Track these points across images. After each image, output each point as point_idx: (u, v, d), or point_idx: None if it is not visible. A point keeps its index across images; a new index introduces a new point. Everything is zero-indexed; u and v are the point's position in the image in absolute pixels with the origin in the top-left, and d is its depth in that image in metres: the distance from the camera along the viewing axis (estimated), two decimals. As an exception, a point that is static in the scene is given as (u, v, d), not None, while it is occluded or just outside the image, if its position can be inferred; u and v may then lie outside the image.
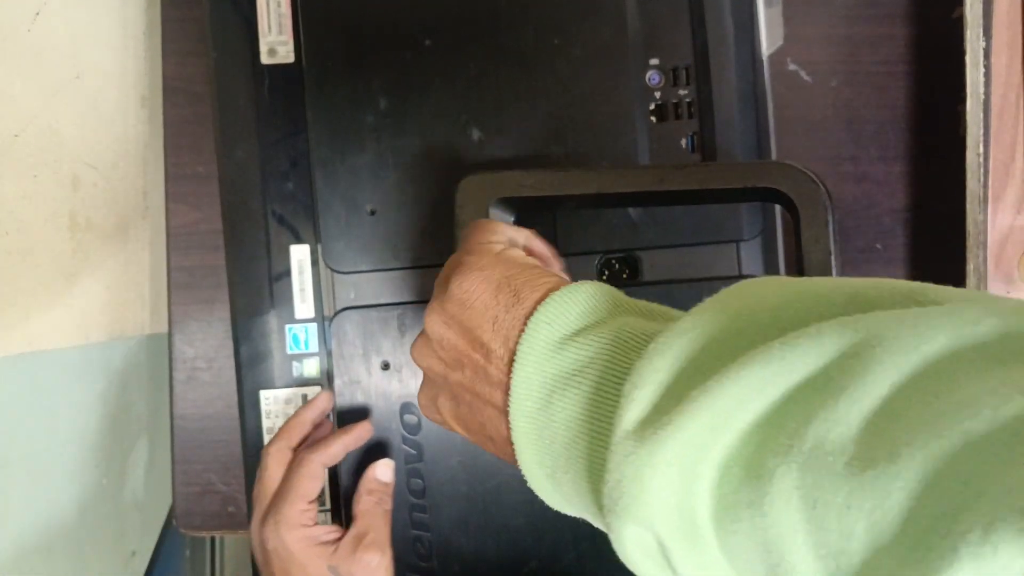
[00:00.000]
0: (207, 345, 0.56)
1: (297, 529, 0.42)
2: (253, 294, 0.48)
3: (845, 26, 0.56)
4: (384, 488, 0.45)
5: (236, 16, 0.48)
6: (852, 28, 0.56)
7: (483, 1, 0.47)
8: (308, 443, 0.45)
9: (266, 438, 0.48)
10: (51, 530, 0.50)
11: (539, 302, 0.28)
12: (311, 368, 0.48)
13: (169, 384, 0.56)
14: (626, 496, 0.23)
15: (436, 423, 0.33)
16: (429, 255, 0.47)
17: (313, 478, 0.43)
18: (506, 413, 0.28)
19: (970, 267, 0.49)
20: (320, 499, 0.45)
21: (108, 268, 0.56)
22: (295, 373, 0.48)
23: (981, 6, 0.48)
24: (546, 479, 0.28)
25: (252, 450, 0.49)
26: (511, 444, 0.28)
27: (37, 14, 0.47)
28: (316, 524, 0.43)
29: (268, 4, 0.48)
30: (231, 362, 0.49)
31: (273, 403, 0.48)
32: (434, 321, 0.31)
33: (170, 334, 0.56)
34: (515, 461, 0.28)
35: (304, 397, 0.48)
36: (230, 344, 0.49)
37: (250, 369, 0.48)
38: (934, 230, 0.56)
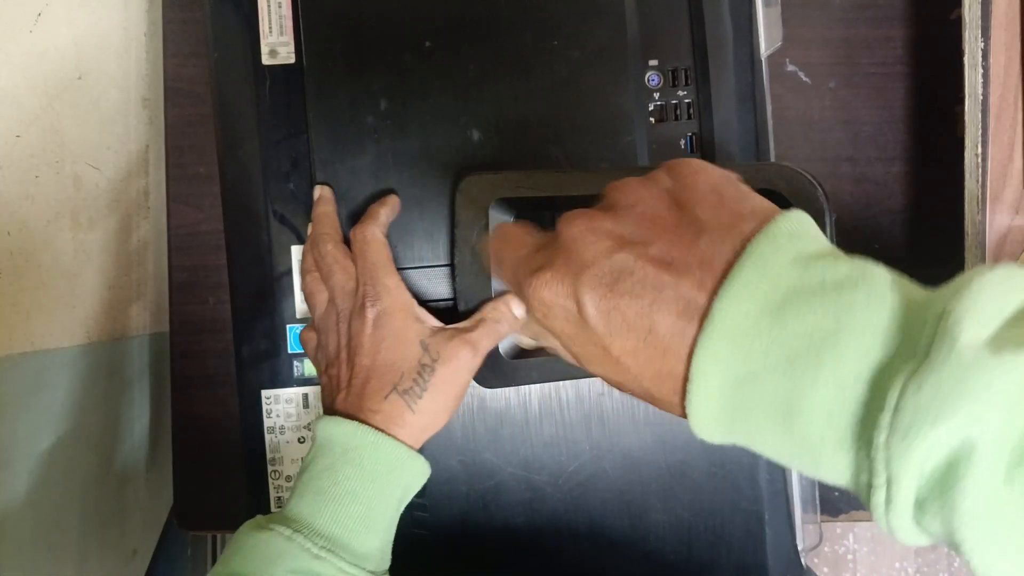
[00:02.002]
0: (209, 345, 0.56)
1: (402, 296, 0.42)
2: (254, 294, 0.48)
3: (843, 27, 0.56)
4: (511, 317, 0.43)
5: (237, 17, 0.48)
6: (850, 29, 0.56)
7: (483, 3, 0.47)
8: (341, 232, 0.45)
9: (267, 438, 0.49)
10: (52, 529, 0.50)
11: (769, 217, 0.24)
12: (312, 368, 0.48)
13: (170, 383, 0.57)
14: (949, 401, 0.19)
15: (544, 301, 0.27)
16: (429, 255, 0.47)
17: (386, 246, 0.43)
18: (698, 310, 0.24)
19: (968, 267, 0.49)
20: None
21: (109, 268, 0.56)
22: (296, 373, 0.48)
23: (979, 7, 0.48)
24: (732, 391, 0.23)
25: (253, 450, 0.49)
26: (683, 339, 0.24)
27: (39, 15, 0.48)
28: (416, 304, 0.43)
29: (269, 5, 0.48)
30: (232, 362, 0.49)
31: (274, 403, 0.49)
32: (631, 190, 0.27)
33: (171, 334, 0.57)
34: (643, 370, 0.25)
35: (305, 397, 0.49)
36: (232, 344, 0.49)
37: (251, 368, 0.48)
38: (932, 230, 0.56)
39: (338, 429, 0.39)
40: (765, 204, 0.26)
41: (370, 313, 0.41)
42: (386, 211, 0.45)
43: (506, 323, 0.43)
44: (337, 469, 0.38)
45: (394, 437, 0.39)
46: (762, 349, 0.23)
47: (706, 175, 0.27)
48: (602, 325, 0.25)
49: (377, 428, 0.39)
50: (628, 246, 0.25)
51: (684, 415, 0.26)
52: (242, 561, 0.36)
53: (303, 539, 0.36)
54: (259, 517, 0.38)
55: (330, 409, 0.42)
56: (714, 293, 0.23)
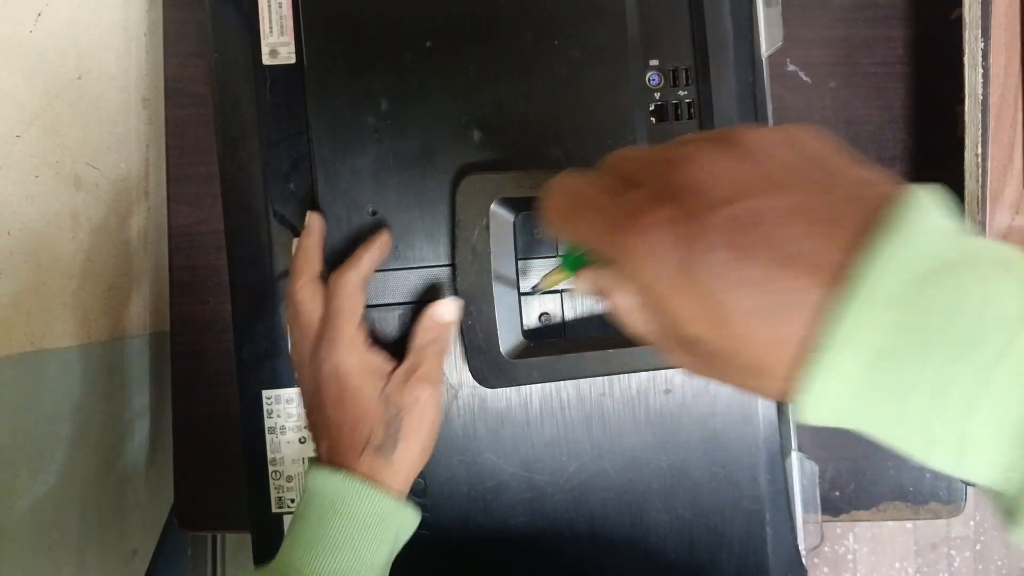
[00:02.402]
0: (209, 345, 0.56)
1: (354, 352, 0.41)
2: (254, 294, 0.48)
3: (843, 27, 0.56)
4: (442, 327, 0.44)
5: (237, 17, 0.48)
6: (850, 29, 0.56)
7: (483, 3, 0.47)
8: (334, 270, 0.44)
9: (268, 438, 0.49)
10: (53, 529, 0.50)
11: (902, 183, 0.22)
12: (312, 368, 0.48)
13: (171, 383, 0.57)
14: None
15: (651, 245, 0.23)
16: (430, 255, 0.47)
17: (355, 296, 0.42)
18: (833, 271, 0.20)
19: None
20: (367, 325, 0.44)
21: (110, 268, 0.56)
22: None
23: (980, 7, 0.48)
24: (866, 365, 0.20)
25: (254, 450, 0.49)
26: (814, 301, 0.20)
27: (39, 15, 0.48)
28: (371, 350, 0.42)
29: (269, 6, 0.48)
30: (232, 362, 0.49)
31: (275, 403, 0.48)
32: (761, 136, 0.23)
33: (171, 334, 0.57)
34: (755, 335, 0.21)
35: (305, 397, 0.48)
36: (232, 344, 0.49)
37: (252, 368, 0.48)
38: (932, 230, 0.56)
39: (326, 481, 0.40)
40: (887, 173, 0.23)
41: (326, 366, 0.42)
42: (370, 255, 0.44)
43: (441, 338, 0.44)
44: (327, 520, 0.39)
45: (379, 488, 0.40)
46: (913, 323, 0.20)
47: (824, 136, 0.24)
48: (719, 277, 0.22)
49: (363, 480, 0.40)
50: (761, 193, 0.22)
51: (787, 392, 0.22)
52: None
53: None
54: (255, 570, 0.40)
55: (318, 455, 0.43)
56: (852, 253, 0.20)
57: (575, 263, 0.35)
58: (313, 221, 0.46)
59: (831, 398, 0.21)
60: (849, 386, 0.21)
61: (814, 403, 0.22)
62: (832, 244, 0.21)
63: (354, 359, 0.41)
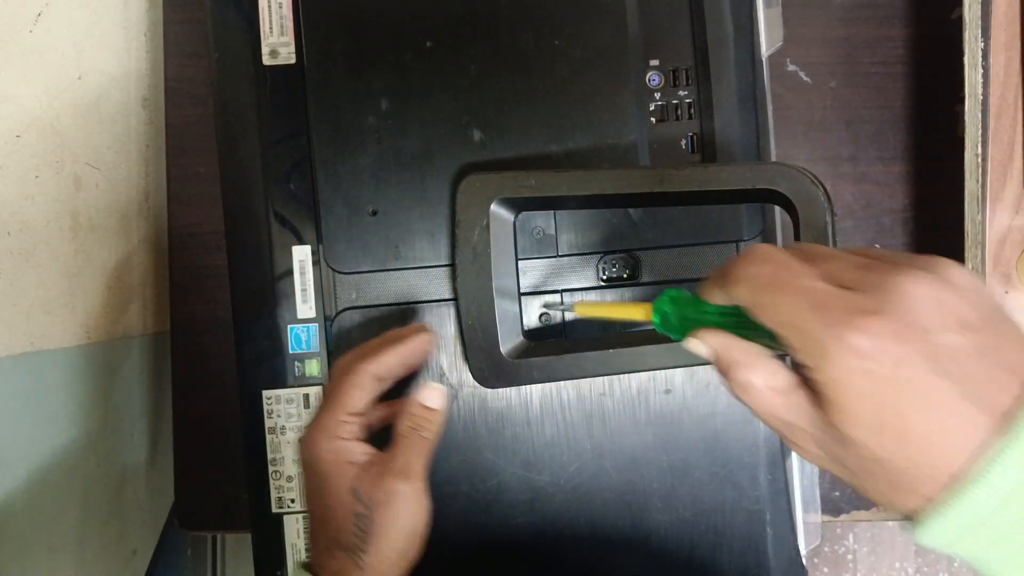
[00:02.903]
0: (209, 345, 0.56)
1: (329, 439, 0.38)
2: (255, 295, 0.48)
3: (844, 27, 0.56)
4: (427, 414, 0.40)
5: (238, 18, 0.48)
6: (851, 29, 0.56)
7: (484, 3, 0.47)
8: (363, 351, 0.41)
9: (268, 438, 0.49)
10: (53, 529, 0.50)
11: None
12: (313, 368, 0.48)
13: (171, 384, 0.57)
14: None
15: (862, 347, 0.24)
16: (431, 255, 0.47)
17: (358, 387, 0.39)
18: (999, 412, 0.24)
19: (968, 267, 0.49)
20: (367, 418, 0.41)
21: (110, 268, 0.56)
22: (297, 373, 0.48)
23: (980, 7, 0.48)
24: (1002, 500, 0.23)
25: (254, 450, 0.49)
26: (975, 435, 0.24)
27: (39, 15, 0.48)
28: (354, 439, 0.39)
29: (270, 6, 0.48)
30: (233, 362, 0.49)
31: (275, 403, 0.48)
32: (965, 277, 0.26)
33: (171, 334, 0.57)
34: (916, 453, 0.24)
35: (306, 397, 0.48)
36: (232, 344, 0.49)
37: (252, 369, 0.48)
38: (933, 230, 0.56)
39: None
40: None
41: (303, 452, 0.39)
42: (397, 353, 0.41)
43: (426, 425, 0.40)
44: None
45: None
46: None
47: (990, 295, 0.27)
48: (913, 396, 0.24)
49: None
50: (965, 330, 0.25)
51: (916, 510, 0.25)
52: None
53: None
54: None
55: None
56: (1018, 400, 0.24)
57: (683, 320, 0.33)
58: (420, 339, 0.42)
59: (959, 524, 0.24)
60: (979, 515, 0.24)
61: (942, 526, 0.24)
62: (1007, 392, 0.24)
63: (328, 446, 0.38)
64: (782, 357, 0.29)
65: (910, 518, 0.26)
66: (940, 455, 0.24)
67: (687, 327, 0.32)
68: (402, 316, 0.48)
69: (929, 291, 0.25)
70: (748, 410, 0.29)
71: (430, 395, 0.41)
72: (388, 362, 0.40)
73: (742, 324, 0.30)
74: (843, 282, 0.26)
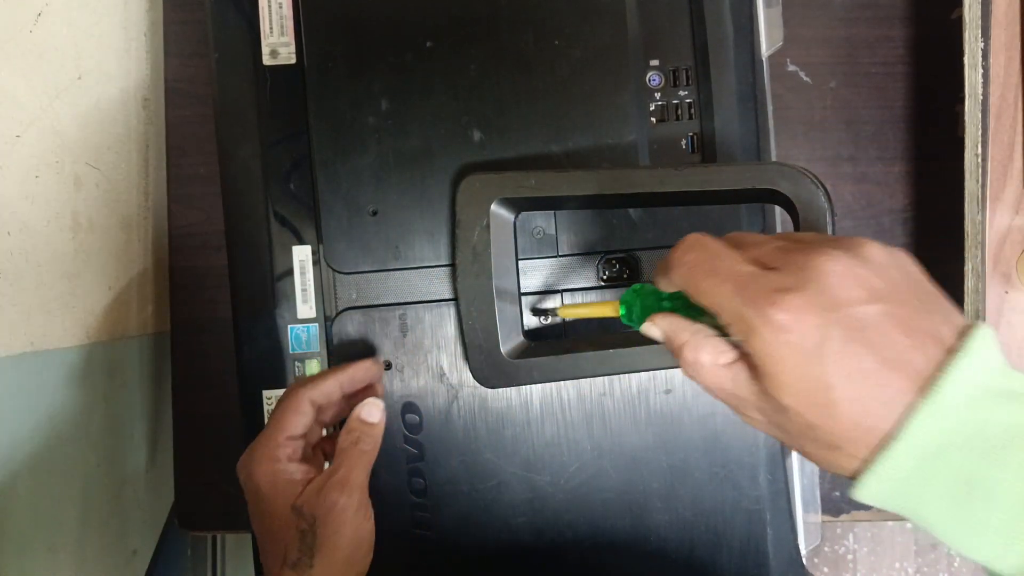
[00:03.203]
0: (209, 345, 0.56)
1: (266, 462, 0.39)
2: (255, 295, 0.48)
3: (844, 27, 0.56)
4: (365, 428, 0.41)
5: (238, 18, 0.48)
6: (851, 29, 0.56)
7: (484, 3, 0.47)
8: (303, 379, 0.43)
9: (268, 438, 0.49)
10: (53, 529, 0.50)
11: (971, 323, 0.27)
12: (313, 368, 0.48)
13: (171, 384, 0.57)
14: None
15: (783, 323, 0.26)
16: (431, 255, 0.47)
17: (296, 412, 0.40)
18: (921, 379, 0.25)
19: (968, 267, 0.49)
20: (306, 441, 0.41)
21: (110, 268, 0.56)
22: (297, 373, 0.48)
23: (980, 7, 0.48)
24: (926, 458, 0.25)
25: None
26: (900, 400, 0.25)
27: (39, 15, 0.48)
28: (291, 461, 0.39)
29: (270, 6, 0.48)
30: (233, 362, 0.49)
31: (275, 403, 0.48)
32: (879, 251, 0.28)
33: (171, 334, 0.57)
34: (848, 419, 0.26)
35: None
36: (232, 344, 0.49)
37: (252, 369, 0.48)
38: (933, 230, 0.56)
39: None
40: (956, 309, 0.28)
41: (241, 475, 0.40)
42: (336, 378, 0.42)
43: (364, 439, 0.41)
44: None
45: None
46: (970, 430, 0.25)
47: (919, 265, 0.29)
48: (834, 365, 0.26)
49: None
50: (878, 301, 0.26)
51: (852, 469, 0.27)
52: None
53: None
54: None
55: None
56: (939, 368, 0.25)
57: (643, 309, 0.35)
58: (360, 368, 0.43)
59: (890, 481, 0.26)
60: (905, 473, 0.26)
61: (875, 484, 0.26)
62: (927, 358, 0.26)
63: (265, 467, 0.39)
64: (725, 336, 0.31)
65: (851, 478, 0.27)
66: (866, 418, 0.26)
67: (646, 315, 0.34)
68: (402, 317, 0.48)
69: (844, 267, 0.27)
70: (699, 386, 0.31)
71: (368, 410, 0.42)
72: (324, 387, 0.41)
73: (690, 307, 0.33)
74: (767, 264, 0.28)
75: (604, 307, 0.40)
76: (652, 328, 0.33)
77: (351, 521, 0.38)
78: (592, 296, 0.48)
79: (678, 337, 0.32)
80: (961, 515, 0.25)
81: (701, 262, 0.30)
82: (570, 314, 0.43)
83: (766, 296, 0.27)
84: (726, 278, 0.28)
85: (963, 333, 0.26)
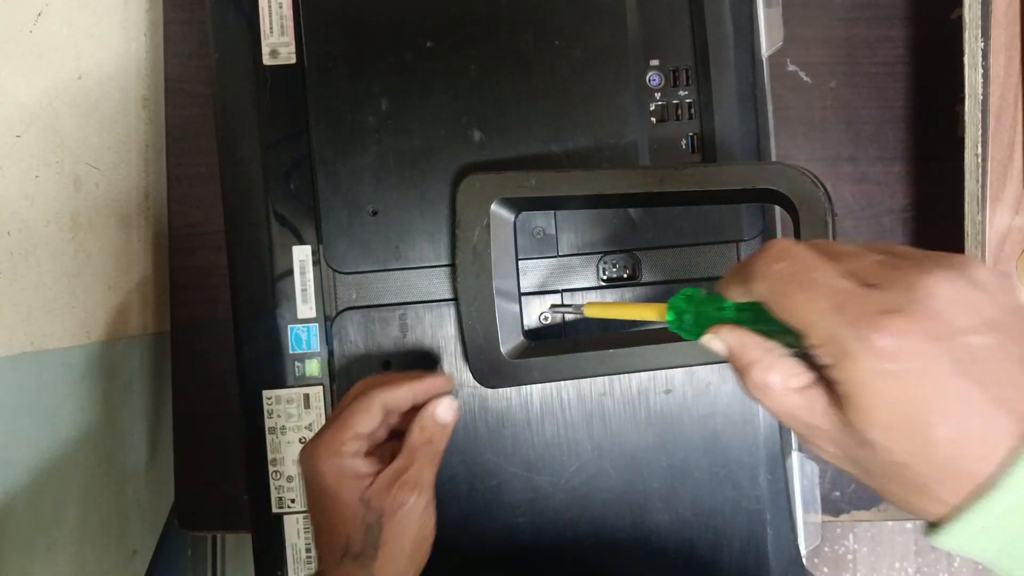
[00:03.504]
0: (209, 345, 0.56)
1: (333, 457, 0.39)
2: (255, 294, 0.48)
3: (844, 27, 0.56)
4: (438, 428, 0.41)
5: (238, 18, 0.48)
6: (851, 29, 0.56)
7: (484, 3, 0.47)
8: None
9: (268, 438, 0.49)
10: (53, 529, 0.50)
11: None
12: (313, 368, 0.48)
13: (171, 384, 0.57)
14: None
15: (887, 347, 0.24)
16: (431, 255, 0.47)
17: (366, 412, 0.40)
18: None
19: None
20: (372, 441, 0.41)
21: (110, 268, 0.56)
22: (297, 373, 0.48)
23: (980, 7, 0.48)
24: (1018, 509, 0.23)
25: (254, 450, 0.49)
26: (1003, 440, 0.23)
27: (39, 15, 0.48)
28: (356, 457, 0.39)
29: (270, 6, 0.48)
30: (233, 362, 0.49)
31: (275, 403, 0.48)
32: (989, 275, 0.25)
33: (171, 334, 0.57)
34: (942, 457, 0.24)
35: (306, 397, 0.48)
36: (232, 344, 0.49)
37: (252, 369, 0.48)
38: (933, 230, 0.56)
39: None
40: None
41: (305, 467, 0.40)
42: (411, 388, 0.41)
43: (437, 438, 0.41)
44: None
45: None
46: None
47: (1015, 295, 0.26)
48: (938, 400, 0.23)
49: None
50: (992, 331, 0.24)
51: (937, 515, 0.25)
52: None
53: None
54: None
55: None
56: None
57: (698, 317, 0.32)
58: (437, 382, 0.43)
59: (982, 528, 0.24)
60: (1000, 520, 0.23)
61: (964, 530, 0.24)
62: None
63: (331, 462, 0.39)
64: (800, 355, 0.28)
65: (932, 523, 0.25)
66: (965, 460, 0.23)
67: (702, 325, 0.32)
68: (402, 317, 0.48)
69: (955, 290, 0.24)
70: (747, 410, 0.29)
71: (444, 409, 0.42)
72: (399, 394, 0.41)
73: (760, 321, 0.30)
74: (866, 279, 0.25)
75: (642, 309, 0.36)
76: (715, 341, 0.30)
77: (419, 519, 0.39)
78: (592, 296, 0.48)
79: (747, 354, 0.29)
80: None
81: (793, 273, 0.26)
82: (599, 314, 0.40)
83: (868, 318, 0.24)
84: (822, 293, 0.25)
85: None
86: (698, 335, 0.32)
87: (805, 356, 0.28)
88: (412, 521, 0.39)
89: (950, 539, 0.24)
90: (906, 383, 0.23)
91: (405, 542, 0.39)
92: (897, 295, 0.24)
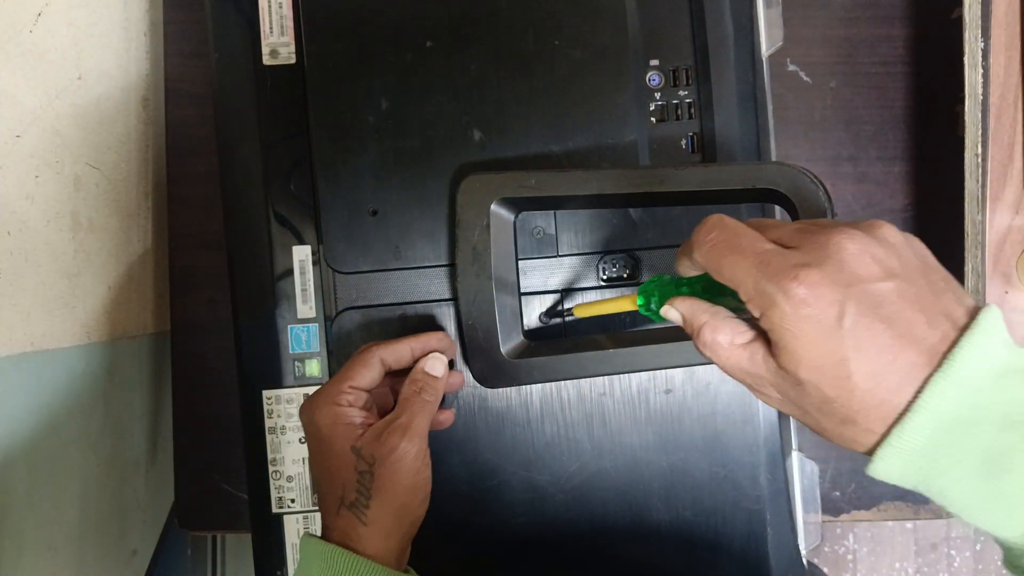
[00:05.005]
0: (209, 345, 0.56)
1: (329, 406, 0.40)
2: (255, 294, 0.48)
3: (844, 27, 0.56)
4: (429, 379, 0.43)
5: (238, 18, 0.48)
6: (851, 29, 0.56)
7: (484, 3, 0.47)
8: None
9: (268, 438, 0.49)
10: (53, 529, 0.50)
11: (979, 305, 0.28)
12: (313, 368, 0.48)
13: (171, 384, 0.57)
14: None
15: (803, 298, 0.27)
16: (430, 255, 0.47)
17: (366, 366, 0.41)
18: (936, 354, 0.26)
19: (968, 267, 0.49)
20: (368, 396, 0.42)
21: (110, 268, 0.56)
22: (297, 373, 0.48)
23: (980, 7, 0.48)
24: (943, 432, 0.26)
25: (254, 450, 0.49)
26: (917, 375, 0.26)
27: (39, 15, 0.48)
28: (352, 407, 0.41)
29: (270, 6, 0.48)
30: (233, 362, 0.49)
31: (275, 403, 0.48)
32: (894, 234, 0.29)
33: (171, 334, 0.57)
34: (866, 394, 0.27)
35: (305, 397, 0.48)
36: (232, 344, 0.49)
37: (252, 369, 0.48)
38: (933, 230, 0.56)
39: (309, 547, 0.39)
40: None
41: (303, 418, 0.42)
42: (409, 344, 0.43)
43: (428, 389, 0.42)
44: None
45: (355, 552, 0.38)
46: (984, 402, 0.26)
47: (930, 253, 0.30)
48: (850, 338, 0.27)
49: (327, 543, 0.39)
50: (893, 278, 0.27)
51: (866, 444, 0.28)
52: None
53: None
54: None
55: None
56: (954, 344, 0.26)
57: (662, 298, 0.36)
58: (434, 338, 0.45)
59: (906, 455, 0.27)
60: (921, 447, 0.26)
61: (890, 459, 0.27)
62: (940, 334, 0.27)
63: (327, 410, 0.40)
64: (745, 320, 0.32)
65: (867, 454, 0.28)
66: (881, 391, 0.27)
67: (662, 303, 0.35)
68: (402, 317, 0.48)
69: (861, 245, 0.28)
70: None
71: (433, 364, 0.43)
72: (397, 348, 0.43)
73: (709, 291, 0.34)
74: (787, 243, 0.29)
75: (621, 302, 0.40)
76: (671, 311, 0.34)
77: (410, 466, 0.39)
78: (593, 296, 0.48)
79: (697, 319, 0.32)
80: (979, 486, 0.26)
81: (723, 240, 0.30)
82: (586, 312, 0.42)
83: (786, 271, 0.28)
84: (747, 255, 0.29)
85: (973, 313, 0.27)
86: (659, 316, 0.35)
87: (748, 319, 0.31)
88: (403, 468, 0.39)
89: (881, 465, 0.27)
90: (821, 325, 0.27)
91: (398, 489, 0.39)
92: (810, 253, 0.28)
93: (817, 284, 0.27)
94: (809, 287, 0.27)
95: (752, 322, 0.31)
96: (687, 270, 0.34)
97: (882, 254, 0.28)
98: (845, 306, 0.27)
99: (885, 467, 0.27)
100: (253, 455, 0.49)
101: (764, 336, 0.30)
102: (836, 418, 0.28)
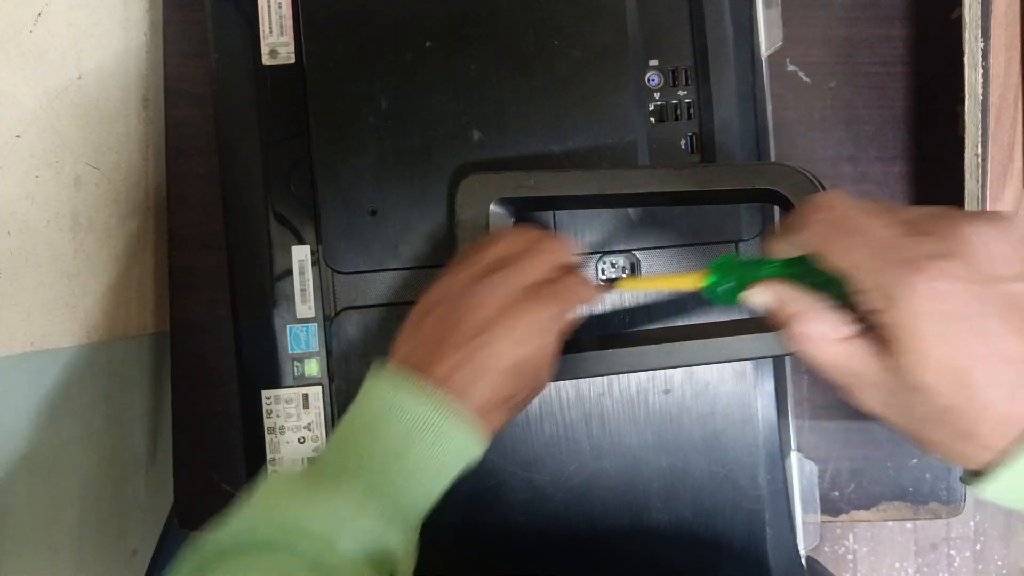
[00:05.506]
0: (209, 345, 0.56)
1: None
2: (254, 294, 0.48)
3: (844, 27, 0.56)
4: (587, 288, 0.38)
5: (237, 18, 0.48)
6: (851, 29, 0.56)
7: (484, 3, 0.47)
8: None
9: (268, 438, 0.49)
10: (52, 529, 0.50)
11: None
12: (312, 368, 0.48)
13: (171, 384, 0.57)
14: None
15: (937, 289, 0.24)
16: (430, 255, 0.47)
17: (586, 287, 0.37)
18: None
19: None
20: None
21: (110, 268, 0.56)
22: (296, 373, 0.48)
23: (980, 7, 0.48)
24: None
25: (254, 450, 0.49)
26: None
27: (39, 15, 0.48)
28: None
29: (269, 6, 0.48)
30: (233, 362, 0.49)
31: (274, 403, 0.48)
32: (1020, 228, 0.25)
33: (171, 334, 0.57)
34: (985, 402, 0.24)
35: (305, 397, 0.48)
36: (232, 344, 0.49)
37: (251, 369, 0.48)
38: (933, 230, 0.56)
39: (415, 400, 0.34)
40: None
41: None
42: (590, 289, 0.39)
43: (568, 295, 0.37)
44: (413, 440, 0.33)
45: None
46: None
47: None
48: (984, 343, 0.24)
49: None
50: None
51: (981, 462, 0.25)
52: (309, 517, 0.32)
53: (374, 506, 0.32)
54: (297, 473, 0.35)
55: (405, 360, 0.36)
56: None
57: (741, 279, 0.32)
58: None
59: None
60: None
61: (1008, 476, 0.24)
62: None
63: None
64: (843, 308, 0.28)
65: (974, 472, 0.25)
66: (1011, 404, 0.24)
67: (743, 286, 0.32)
68: (402, 317, 0.48)
69: (996, 240, 0.24)
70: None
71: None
72: (588, 293, 0.38)
73: (804, 276, 0.30)
74: (915, 229, 0.26)
75: (680, 279, 0.36)
76: (759, 294, 0.30)
77: (511, 347, 0.35)
78: (592, 296, 0.48)
79: (791, 306, 0.29)
80: None
81: (840, 220, 0.27)
82: (632, 286, 0.39)
83: (916, 262, 0.24)
84: (869, 238, 0.26)
85: None
86: (733, 298, 0.32)
87: (848, 309, 0.28)
88: (505, 348, 0.34)
89: (995, 485, 0.25)
90: (955, 324, 0.24)
91: (495, 367, 0.34)
92: (942, 242, 0.25)
93: (952, 278, 0.24)
94: (943, 281, 0.24)
95: (854, 315, 0.27)
96: (784, 251, 0.30)
97: (1018, 251, 0.25)
98: (983, 306, 0.24)
99: (1000, 488, 0.25)
100: (252, 455, 0.49)
101: (870, 330, 0.27)
102: (952, 430, 0.25)
